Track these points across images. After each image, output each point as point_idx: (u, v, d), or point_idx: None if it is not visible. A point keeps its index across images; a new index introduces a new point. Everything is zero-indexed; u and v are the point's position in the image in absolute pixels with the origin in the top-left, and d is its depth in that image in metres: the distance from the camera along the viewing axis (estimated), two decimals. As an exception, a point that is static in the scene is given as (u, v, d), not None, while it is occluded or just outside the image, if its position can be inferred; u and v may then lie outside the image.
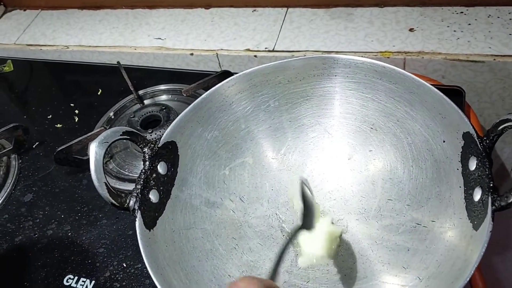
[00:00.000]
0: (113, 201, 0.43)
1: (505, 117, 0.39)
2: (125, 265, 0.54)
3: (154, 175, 0.47)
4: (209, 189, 0.52)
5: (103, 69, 0.83)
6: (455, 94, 0.61)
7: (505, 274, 0.97)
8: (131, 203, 0.44)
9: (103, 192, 0.43)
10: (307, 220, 0.45)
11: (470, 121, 0.43)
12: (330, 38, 0.71)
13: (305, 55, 0.68)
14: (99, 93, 0.78)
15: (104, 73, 0.82)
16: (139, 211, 0.43)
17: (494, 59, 0.62)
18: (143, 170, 0.46)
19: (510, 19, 0.66)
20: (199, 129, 0.52)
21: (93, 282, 0.53)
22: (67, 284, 0.53)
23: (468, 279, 0.34)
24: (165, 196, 0.47)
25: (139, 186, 0.45)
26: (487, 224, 0.37)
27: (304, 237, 0.44)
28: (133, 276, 0.52)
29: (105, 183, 0.43)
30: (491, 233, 0.36)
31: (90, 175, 0.43)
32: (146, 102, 0.74)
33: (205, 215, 0.50)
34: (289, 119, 0.56)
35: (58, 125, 0.75)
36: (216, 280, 0.45)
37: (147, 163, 0.47)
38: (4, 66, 0.89)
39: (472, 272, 0.34)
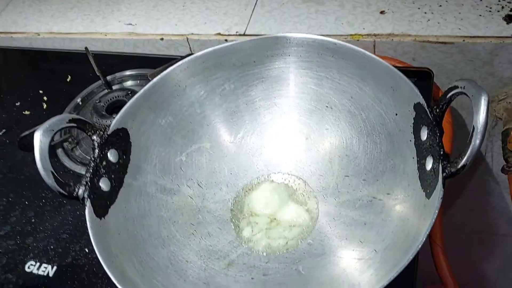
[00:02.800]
0: (61, 190, 0.42)
1: (452, 85, 0.39)
2: (87, 250, 0.53)
3: (104, 163, 0.45)
4: (164, 176, 0.51)
5: (73, 56, 0.82)
6: (425, 76, 0.61)
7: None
8: (80, 191, 0.42)
9: (50, 181, 0.41)
10: None
11: (429, 96, 0.43)
12: (301, 21, 0.70)
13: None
14: (68, 80, 0.77)
15: (74, 60, 0.81)
16: (88, 200, 0.42)
17: (464, 40, 0.62)
18: (92, 158, 0.45)
19: (481, 0, 0.66)
20: (152, 115, 0.51)
21: (55, 268, 0.52)
22: (29, 270, 0.52)
23: (419, 246, 0.34)
24: (117, 184, 0.46)
25: (88, 175, 0.43)
26: (438, 191, 0.37)
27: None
28: (95, 261, 0.52)
29: (51, 172, 0.41)
30: (442, 200, 0.36)
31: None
32: (114, 87, 0.72)
33: (161, 202, 0.49)
34: (245, 102, 0.55)
35: (26, 112, 0.73)
36: (173, 266, 0.44)
37: (96, 150, 0.45)
38: (-26, 54, 0.86)
39: (424, 239, 0.34)
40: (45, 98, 0.75)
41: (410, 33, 0.64)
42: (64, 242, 0.55)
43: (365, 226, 0.44)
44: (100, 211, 0.43)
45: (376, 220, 0.44)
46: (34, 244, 0.55)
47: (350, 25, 0.67)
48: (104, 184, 0.44)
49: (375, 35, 0.65)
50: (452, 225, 0.94)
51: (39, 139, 0.41)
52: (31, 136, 0.61)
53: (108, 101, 0.66)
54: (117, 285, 0.36)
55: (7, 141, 0.69)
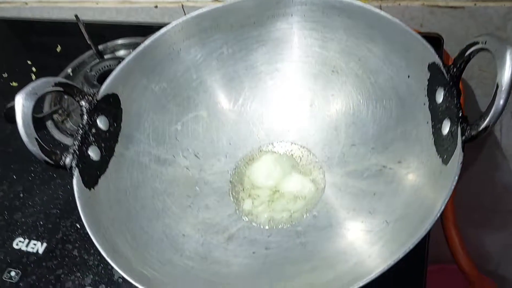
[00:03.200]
0: (47, 158, 0.38)
1: (471, 41, 0.36)
2: (78, 226, 0.50)
3: (93, 130, 0.42)
4: (159, 146, 0.48)
5: (63, 26, 0.78)
6: (434, 42, 0.57)
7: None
8: (68, 160, 0.39)
9: (34, 148, 0.38)
10: None
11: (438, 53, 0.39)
12: None
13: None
14: (58, 50, 0.74)
15: (64, 30, 0.78)
16: (76, 169, 0.39)
17: (475, 4, 0.58)
18: (81, 125, 0.41)
19: None
20: (144, 80, 0.47)
21: (44, 244, 0.50)
22: (17, 247, 0.50)
23: (439, 213, 0.31)
24: (107, 153, 0.43)
25: (76, 142, 0.40)
26: (457, 155, 0.33)
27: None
28: (86, 237, 0.48)
29: (36, 138, 0.38)
30: (462, 165, 0.33)
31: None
32: (106, 57, 0.69)
33: (155, 173, 0.46)
34: (244, 67, 0.51)
35: (14, 84, 0.70)
36: (168, 239, 0.41)
37: (85, 117, 0.42)
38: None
39: (443, 208, 0.31)
40: (33, 69, 0.72)
41: (418, -2, 0.60)
42: (54, 217, 0.52)
43: (374, 196, 0.41)
44: (90, 182, 0.40)
45: (387, 190, 0.40)
46: (23, 219, 0.52)
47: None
48: (93, 153, 0.41)
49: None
50: (456, 201, 0.91)
51: (21, 103, 0.38)
52: None
53: (100, 70, 0.63)
54: (108, 259, 0.33)
55: None
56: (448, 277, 0.74)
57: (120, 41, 0.70)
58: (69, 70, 0.68)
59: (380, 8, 0.61)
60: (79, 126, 0.41)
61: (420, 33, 0.60)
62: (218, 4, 0.48)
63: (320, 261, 0.37)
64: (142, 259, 0.37)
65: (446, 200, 0.31)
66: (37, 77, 0.70)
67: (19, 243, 0.50)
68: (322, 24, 0.48)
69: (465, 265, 0.52)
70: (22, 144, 0.58)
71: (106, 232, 0.37)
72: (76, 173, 0.39)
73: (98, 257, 0.47)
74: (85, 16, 0.74)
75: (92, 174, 0.40)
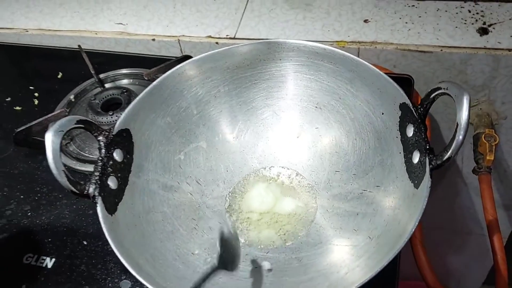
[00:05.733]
0: (73, 188, 0.43)
1: (435, 86, 0.44)
2: (85, 243, 0.54)
3: (111, 162, 0.47)
4: (165, 174, 0.53)
5: (63, 53, 0.82)
6: (405, 82, 0.66)
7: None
8: (91, 190, 0.44)
9: (63, 180, 0.43)
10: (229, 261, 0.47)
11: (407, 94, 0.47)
12: (289, 27, 0.74)
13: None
14: (59, 77, 0.78)
15: (64, 57, 0.82)
16: (99, 197, 0.44)
17: (441, 50, 0.67)
18: (100, 158, 0.46)
19: (457, 13, 0.71)
20: (152, 116, 0.53)
21: (53, 259, 0.53)
22: (27, 262, 0.53)
23: (413, 230, 0.38)
24: (123, 182, 0.48)
25: (97, 173, 0.45)
26: (426, 181, 0.41)
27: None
28: (93, 253, 0.53)
29: (63, 171, 0.43)
30: (430, 189, 0.41)
31: None
32: (107, 85, 0.73)
33: (163, 198, 0.51)
34: (239, 103, 0.58)
35: (17, 108, 0.74)
36: (180, 258, 0.46)
37: (103, 150, 0.47)
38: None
39: (416, 224, 0.38)
40: (36, 94, 0.75)
41: (392, 41, 0.68)
42: (62, 235, 0.56)
43: (357, 216, 0.48)
44: (110, 208, 0.45)
45: (368, 210, 0.48)
46: (31, 236, 0.56)
47: (336, 32, 0.71)
48: (112, 183, 0.46)
49: (359, 42, 0.69)
50: (423, 222, 0.99)
51: (51, 139, 0.43)
52: (26, 131, 0.64)
53: (103, 98, 0.68)
54: (137, 276, 0.38)
55: None
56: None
57: (121, 71, 0.75)
58: (72, 97, 0.72)
59: (359, 50, 0.69)
60: (98, 159, 0.46)
61: (393, 73, 0.69)
62: (218, 49, 0.55)
63: (316, 273, 0.44)
64: (163, 276, 0.42)
65: (418, 219, 0.39)
66: (40, 102, 0.74)
67: (29, 258, 0.54)
68: (307, 68, 0.55)
69: (431, 282, 0.59)
70: (27, 166, 0.65)
71: (129, 253, 0.42)
72: (99, 201, 0.44)
73: (106, 271, 0.52)
74: (84, 46, 0.80)
75: (112, 201, 0.45)
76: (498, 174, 0.83)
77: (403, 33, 0.70)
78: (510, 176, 0.83)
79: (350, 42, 0.70)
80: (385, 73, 0.49)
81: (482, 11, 0.71)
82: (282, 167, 0.57)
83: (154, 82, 0.53)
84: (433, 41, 0.68)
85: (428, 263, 0.58)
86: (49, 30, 0.83)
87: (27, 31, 0.84)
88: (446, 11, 0.72)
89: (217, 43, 0.74)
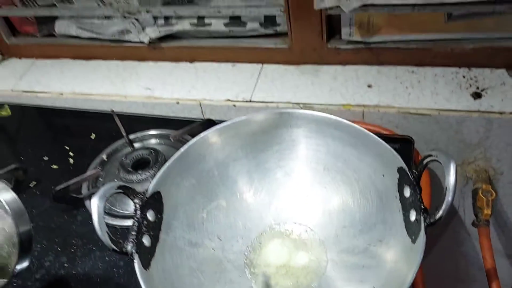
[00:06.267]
0: (114, 247, 0.50)
1: (427, 154, 0.51)
2: None
3: (145, 222, 0.54)
4: (190, 231, 0.60)
5: (95, 116, 0.91)
6: (407, 142, 0.72)
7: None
8: (129, 248, 0.51)
9: (106, 240, 0.49)
10: None
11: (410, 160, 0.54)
12: (299, 91, 0.82)
13: (277, 106, 0.80)
14: (92, 137, 0.85)
15: (96, 119, 0.90)
16: (136, 255, 0.50)
17: (439, 113, 0.73)
18: (136, 218, 0.53)
19: (452, 78, 0.78)
20: (178, 178, 0.60)
21: None
22: None
23: (412, 280, 0.44)
24: (155, 240, 0.54)
25: (134, 233, 0.52)
26: (421, 237, 0.47)
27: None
28: None
29: (106, 232, 0.50)
30: (426, 245, 0.47)
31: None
32: (136, 145, 0.81)
33: (189, 254, 0.57)
34: (255, 165, 0.65)
35: (54, 166, 0.81)
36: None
37: (139, 212, 0.54)
38: (2, 111, 0.95)
39: (415, 274, 0.44)
40: (71, 153, 0.83)
41: (394, 105, 0.75)
42: (95, 285, 0.62)
43: (363, 268, 0.54)
44: (145, 264, 0.51)
45: (372, 263, 0.53)
46: (67, 286, 0.62)
47: (342, 96, 0.79)
48: (146, 241, 0.53)
49: (364, 105, 0.76)
50: (428, 272, 1.03)
51: (96, 204, 0.50)
52: (65, 189, 0.72)
53: (133, 158, 0.75)
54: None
55: (38, 192, 0.77)
56: None
57: (148, 132, 0.84)
58: (104, 156, 0.80)
59: (363, 113, 0.77)
60: (135, 220, 0.53)
61: (395, 134, 0.75)
62: (238, 118, 0.62)
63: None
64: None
65: (415, 272, 0.45)
66: (75, 161, 0.82)
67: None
68: (315, 133, 0.62)
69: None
70: (63, 220, 0.73)
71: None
72: (136, 258, 0.50)
73: None
74: (115, 108, 0.87)
75: (146, 258, 0.52)
76: (499, 225, 0.88)
77: (404, 97, 0.76)
78: (510, 227, 0.88)
79: (355, 105, 0.77)
80: (389, 134, 0.56)
81: (475, 76, 0.77)
82: (295, 223, 0.63)
83: (181, 150, 0.60)
84: (431, 105, 0.74)
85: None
86: (82, 94, 0.92)
87: (62, 95, 0.93)
88: (443, 76, 0.78)
89: (234, 105, 0.82)
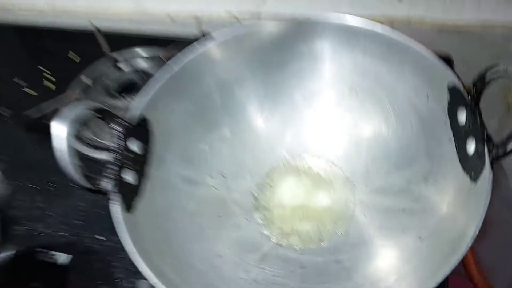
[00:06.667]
0: (89, 185, 0.39)
1: (490, 66, 0.38)
2: (104, 238, 0.53)
3: (129, 155, 0.43)
4: (187, 166, 0.49)
5: (76, 34, 0.79)
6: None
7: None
8: (105, 184, 0.40)
9: (77, 176, 0.38)
10: None
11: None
12: (315, 1, 0.69)
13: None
14: (72, 58, 0.75)
15: (78, 37, 0.78)
16: (116, 194, 0.40)
17: (482, 27, 0.62)
18: (115, 149, 0.42)
19: None
20: (171, 103, 0.48)
21: (68, 256, 0.51)
22: (40, 259, 0.51)
23: (476, 233, 0.33)
24: (142, 176, 0.44)
25: (113, 167, 0.41)
26: (487, 174, 0.36)
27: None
28: (109, 248, 0.51)
29: (76, 164, 0.38)
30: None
31: None
32: (122, 67, 0.70)
33: (186, 194, 0.47)
34: (265, 89, 0.53)
35: (29, 90, 0.71)
36: (207, 261, 0.42)
37: (120, 141, 0.42)
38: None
39: (480, 223, 0.33)
40: (49, 77, 0.73)
41: (428, 19, 0.63)
42: (76, 228, 0.54)
43: (403, 213, 0.43)
44: (129, 206, 0.40)
45: (415, 206, 0.43)
46: (45, 230, 0.54)
47: (365, 8, 0.66)
48: (130, 177, 0.42)
49: (391, 18, 0.64)
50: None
51: (61, 128, 0.38)
52: (40, 117, 0.62)
53: (119, 81, 0.65)
54: (160, 285, 0.34)
55: (10, 122, 0.67)
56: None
57: (137, 51, 0.72)
58: (85, 79, 0.69)
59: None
60: (115, 151, 0.42)
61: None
62: (242, 28, 0.49)
63: (362, 279, 0.39)
64: (188, 282, 0.38)
65: (482, 219, 0.34)
66: (54, 85, 0.71)
67: (40, 254, 0.51)
68: (340, 46, 0.49)
69: (477, 281, 0.54)
70: (40, 154, 0.60)
71: (150, 256, 0.38)
72: (116, 198, 0.39)
73: (123, 270, 0.49)
74: (97, 24, 0.75)
75: (130, 198, 0.41)
76: None
77: (439, 8, 0.63)
78: None
79: (381, 17, 0.64)
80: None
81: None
82: (313, 156, 0.52)
83: (175, 68, 0.48)
84: (472, 18, 0.62)
85: (475, 261, 0.53)
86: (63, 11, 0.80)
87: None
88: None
89: (238, 21, 0.69)
